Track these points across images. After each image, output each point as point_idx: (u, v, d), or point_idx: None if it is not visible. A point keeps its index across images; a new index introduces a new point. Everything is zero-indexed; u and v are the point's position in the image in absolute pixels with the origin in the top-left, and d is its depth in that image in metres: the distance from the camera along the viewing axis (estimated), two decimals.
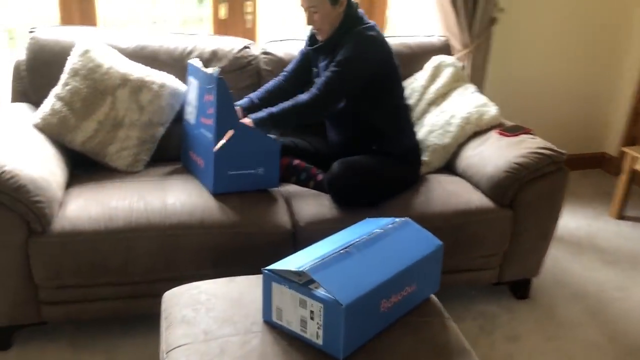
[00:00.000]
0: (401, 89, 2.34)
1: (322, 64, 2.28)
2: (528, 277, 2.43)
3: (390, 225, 1.64)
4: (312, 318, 1.37)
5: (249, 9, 2.91)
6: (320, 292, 1.35)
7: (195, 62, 2.18)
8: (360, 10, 2.24)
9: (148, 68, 2.33)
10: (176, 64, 2.37)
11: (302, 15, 2.20)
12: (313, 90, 2.14)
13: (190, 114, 2.21)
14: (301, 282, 1.39)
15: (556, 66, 3.48)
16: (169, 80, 2.32)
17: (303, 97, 2.13)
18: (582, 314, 2.38)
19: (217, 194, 2.06)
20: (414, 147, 2.36)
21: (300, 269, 1.35)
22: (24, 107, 2.31)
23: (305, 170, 2.31)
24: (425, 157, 2.46)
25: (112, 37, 2.41)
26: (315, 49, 2.26)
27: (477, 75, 3.07)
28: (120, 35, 2.43)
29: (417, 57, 2.71)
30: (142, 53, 2.39)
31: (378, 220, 1.72)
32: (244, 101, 2.34)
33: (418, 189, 2.27)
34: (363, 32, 2.16)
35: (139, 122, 2.25)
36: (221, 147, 2.00)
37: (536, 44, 3.38)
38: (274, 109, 2.13)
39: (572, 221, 3.13)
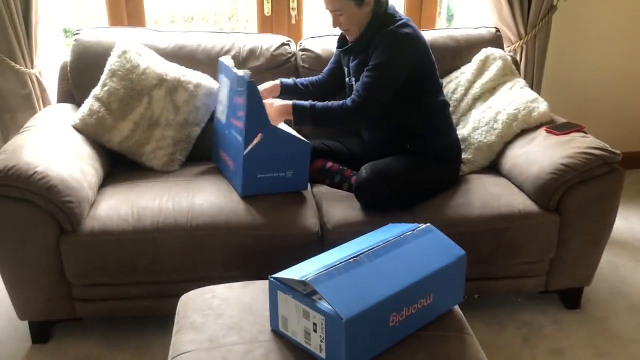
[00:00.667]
0: (438, 85, 2.23)
1: (352, 64, 2.20)
2: (579, 286, 2.26)
3: (409, 232, 1.56)
4: (315, 330, 1.32)
5: (294, 5, 2.87)
6: (323, 303, 1.30)
7: (227, 61, 2.16)
8: (391, 6, 2.14)
9: (184, 68, 2.34)
10: (213, 63, 2.37)
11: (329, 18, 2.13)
12: (353, 97, 2.07)
13: (222, 113, 2.20)
14: (305, 292, 1.34)
15: (619, 59, 3.21)
16: (204, 80, 2.32)
17: (345, 102, 2.08)
18: (639, 329, 2.19)
19: (246, 196, 2.04)
20: (452, 146, 2.24)
21: (304, 279, 1.31)
22: (67, 107, 2.38)
23: (339, 173, 2.25)
24: (468, 155, 2.34)
25: (151, 37, 2.44)
26: (345, 50, 2.19)
27: (532, 69, 2.89)
28: (159, 36, 2.46)
29: (465, 50, 2.58)
30: (179, 53, 2.41)
31: (400, 226, 1.64)
32: (288, 80, 2.33)
33: (457, 190, 2.16)
34: (396, 31, 2.06)
35: (174, 122, 2.26)
36: (250, 150, 1.98)
37: (598, 34, 3.14)
38: (317, 104, 2.08)
39: (638, 224, 2.89)
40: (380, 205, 2.04)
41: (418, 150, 2.16)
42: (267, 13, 2.88)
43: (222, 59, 2.20)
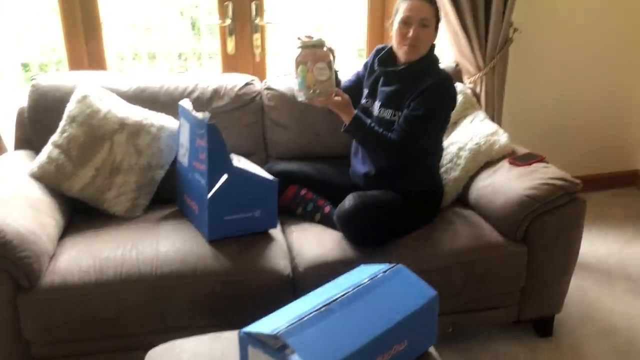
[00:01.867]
0: (444, 130, 2.28)
1: (383, 89, 2.19)
2: (550, 314, 2.28)
3: (381, 275, 1.55)
4: None
5: (257, 43, 2.87)
6: (296, 358, 1.27)
7: (186, 104, 2.14)
8: None
9: (146, 110, 2.31)
10: (177, 104, 2.33)
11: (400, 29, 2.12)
12: (400, 133, 2.08)
13: (183, 156, 2.17)
14: (277, 346, 1.31)
15: (579, 84, 3.31)
16: (167, 121, 2.29)
17: (392, 136, 2.09)
18: (610, 353, 2.21)
19: (213, 240, 2.00)
20: (438, 188, 2.28)
21: (275, 333, 1.27)
22: (24, 155, 2.31)
23: (313, 201, 2.24)
24: None
25: (112, 80, 2.40)
26: (387, 72, 2.18)
27: (492, 99, 2.94)
28: (120, 79, 2.42)
29: None
30: (142, 95, 2.38)
31: (371, 267, 1.63)
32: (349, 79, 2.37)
33: (428, 226, 2.17)
34: (450, 79, 2.14)
35: (137, 166, 2.22)
36: (215, 193, 1.95)
37: (556, 62, 3.22)
38: (375, 126, 2.11)
39: (602, 247, 2.95)
40: (362, 238, 2.03)
41: (403, 189, 2.17)
42: (231, 52, 2.87)
43: (181, 102, 2.17)
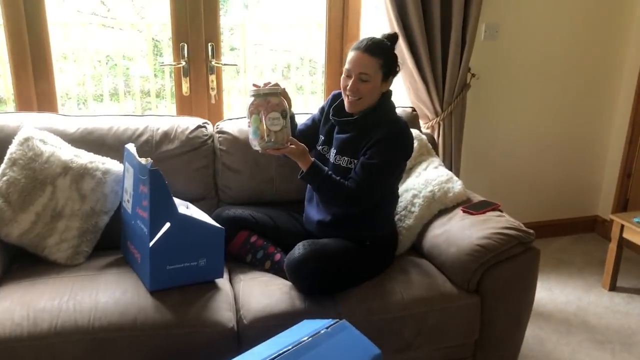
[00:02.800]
0: (399, 178, 2.25)
1: (338, 136, 2.16)
2: None
3: (323, 331, 1.48)
4: None
5: (213, 85, 2.84)
6: None
7: (131, 148, 2.07)
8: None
9: (92, 154, 2.24)
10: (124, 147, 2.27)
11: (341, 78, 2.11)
12: (356, 182, 2.03)
13: (128, 202, 2.10)
14: None
15: (536, 129, 3.35)
16: (114, 165, 2.22)
17: (349, 184, 2.04)
18: None
19: (155, 291, 1.92)
20: (392, 235, 2.25)
21: None
22: None
23: (263, 248, 2.17)
24: None
25: (58, 122, 2.33)
26: (342, 121, 2.13)
27: (450, 145, 2.95)
28: (67, 120, 2.36)
29: None
30: (88, 138, 2.31)
31: (314, 322, 1.57)
32: (305, 122, 2.34)
33: (381, 275, 2.12)
34: (406, 126, 2.11)
35: (80, 212, 2.14)
36: (157, 242, 1.87)
37: (513, 107, 3.26)
38: (332, 174, 2.06)
39: (561, 295, 2.92)
40: (312, 288, 1.97)
41: (357, 237, 2.13)
42: (186, 93, 2.83)
43: (127, 146, 2.11)
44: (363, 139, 2.08)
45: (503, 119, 3.26)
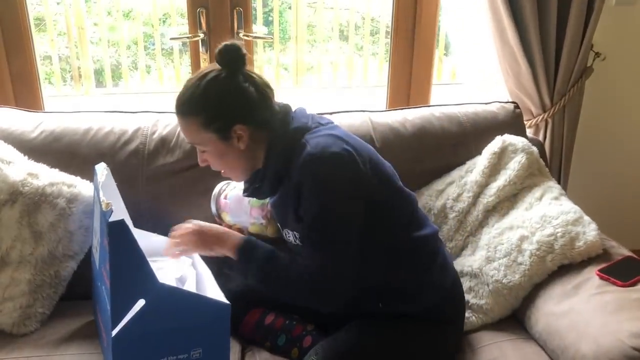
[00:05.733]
0: (410, 211, 1.44)
1: (271, 205, 1.47)
2: None
3: None
4: None
5: None
6: None
7: (99, 171, 1.39)
8: (300, 110, 1.41)
9: (55, 172, 1.58)
10: (104, 160, 1.58)
11: None
12: (307, 249, 1.32)
13: (95, 251, 1.43)
14: None
15: None
16: (85, 189, 1.56)
17: (302, 260, 1.31)
18: None
19: None
20: (449, 297, 1.47)
21: None
22: None
23: (284, 331, 1.48)
24: (480, 301, 1.57)
25: (16, 120, 1.69)
26: (251, 193, 1.44)
27: (559, 153, 2.14)
28: (29, 118, 1.70)
29: (471, 137, 1.82)
30: (55, 146, 1.65)
31: None
32: None
33: None
34: (317, 155, 1.27)
35: (33, 257, 1.49)
36: (124, 328, 1.20)
37: None
38: (282, 255, 1.33)
39: None
40: None
41: (396, 311, 1.39)
42: None
43: (96, 167, 1.43)
44: (288, 198, 1.35)
45: (633, 117, 2.39)
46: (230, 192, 1.58)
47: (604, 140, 2.38)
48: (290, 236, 1.41)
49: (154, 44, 4.17)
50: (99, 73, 4.14)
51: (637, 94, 2.37)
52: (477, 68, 2.21)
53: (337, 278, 1.28)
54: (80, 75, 4.07)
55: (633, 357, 1.25)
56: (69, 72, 4.13)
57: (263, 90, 1.33)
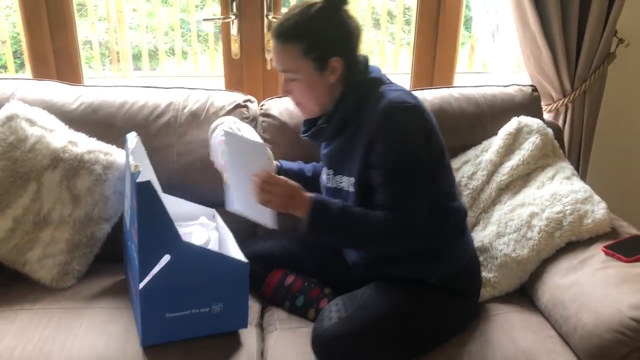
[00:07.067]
0: (450, 183, 1.52)
1: (327, 152, 1.52)
2: None
3: None
4: None
5: (269, 45, 2.20)
6: None
7: (130, 139, 1.50)
8: (375, 67, 1.46)
9: (93, 140, 1.70)
10: (138, 131, 1.69)
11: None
12: (386, 203, 1.36)
13: (127, 214, 1.55)
14: None
15: None
16: (120, 157, 1.68)
17: (385, 215, 1.36)
18: None
19: (150, 346, 1.37)
20: (468, 270, 1.54)
21: None
22: None
23: (303, 292, 1.58)
24: (489, 274, 1.64)
25: (58, 92, 1.81)
26: (312, 135, 1.49)
27: (579, 138, 2.17)
28: (69, 91, 1.83)
29: (488, 117, 1.88)
30: (93, 117, 1.77)
31: None
32: (291, 164, 1.66)
33: (466, 336, 1.46)
34: (396, 103, 1.35)
35: (71, 219, 1.62)
36: (150, 282, 1.31)
37: None
38: (352, 206, 1.39)
39: None
40: None
41: (417, 277, 1.47)
42: (236, 55, 2.22)
43: (128, 136, 1.54)
44: (352, 144, 1.41)
45: None
46: (218, 133, 1.57)
47: (626, 128, 2.39)
48: (345, 183, 1.46)
49: (190, 30, 4.29)
50: (136, 58, 4.28)
51: None
52: (500, 56, 2.26)
53: (414, 221, 1.35)
54: (118, 60, 4.22)
55: (630, 326, 1.31)
56: (108, 56, 4.28)
57: (359, 31, 1.41)
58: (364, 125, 1.39)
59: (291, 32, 1.37)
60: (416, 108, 1.37)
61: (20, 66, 3.93)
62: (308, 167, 1.70)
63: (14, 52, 3.94)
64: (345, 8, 1.39)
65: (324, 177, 1.55)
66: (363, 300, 1.41)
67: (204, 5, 4.33)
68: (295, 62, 1.38)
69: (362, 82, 1.41)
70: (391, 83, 1.44)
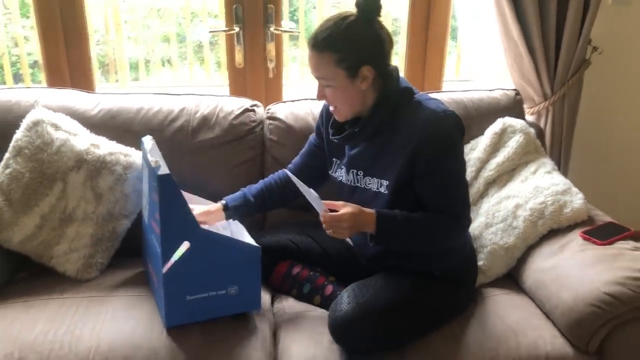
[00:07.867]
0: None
1: (353, 152, 1.62)
2: None
3: None
4: None
5: (271, 54, 2.36)
6: None
7: (146, 142, 1.64)
8: (402, 78, 1.58)
9: (113, 143, 1.84)
10: (154, 135, 1.83)
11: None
12: (442, 204, 1.51)
13: (145, 209, 1.69)
14: None
15: None
16: (138, 158, 1.81)
17: (441, 216, 1.51)
18: None
19: (173, 327, 1.51)
20: (468, 263, 1.70)
21: None
22: None
23: (309, 281, 1.72)
24: (480, 262, 1.79)
25: (79, 100, 1.95)
26: (346, 137, 1.58)
27: (559, 137, 2.34)
28: (89, 99, 1.96)
29: (475, 119, 2.04)
30: (111, 123, 1.91)
31: None
32: (236, 195, 1.75)
33: (462, 317, 1.61)
34: (440, 113, 1.49)
35: (94, 215, 1.75)
36: (173, 267, 1.45)
37: None
38: (408, 213, 1.51)
39: None
40: (363, 349, 1.50)
41: (421, 269, 1.62)
42: (239, 64, 2.38)
43: (144, 138, 1.68)
44: (387, 149, 1.54)
45: (629, 107, 2.58)
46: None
47: (602, 126, 2.56)
48: (374, 184, 1.57)
49: (185, 40, 4.43)
50: (132, 68, 4.40)
51: (632, 84, 2.55)
52: (486, 64, 2.43)
53: (469, 220, 1.57)
54: (116, 72, 4.35)
55: (605, 300, 1.46)
56: (106, 65, 4.40)
57: (390, 41, 1.52)
58: (400, 132, 1.51)
59: (325, 43, 1.46)
60: (454, 114, 1.52)
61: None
62: (252, 191, 1.75)
63: (13, 63, 4.05)
64: (377, 19, 1.49)
65: (343, 174, 1.65)
66: (377, 288, 1.54)
67: (193, 18, 4.47)
68: (328, 70, 1.48)
69: (395, 91, 1.53)
70: (420, 92, 1.58)
